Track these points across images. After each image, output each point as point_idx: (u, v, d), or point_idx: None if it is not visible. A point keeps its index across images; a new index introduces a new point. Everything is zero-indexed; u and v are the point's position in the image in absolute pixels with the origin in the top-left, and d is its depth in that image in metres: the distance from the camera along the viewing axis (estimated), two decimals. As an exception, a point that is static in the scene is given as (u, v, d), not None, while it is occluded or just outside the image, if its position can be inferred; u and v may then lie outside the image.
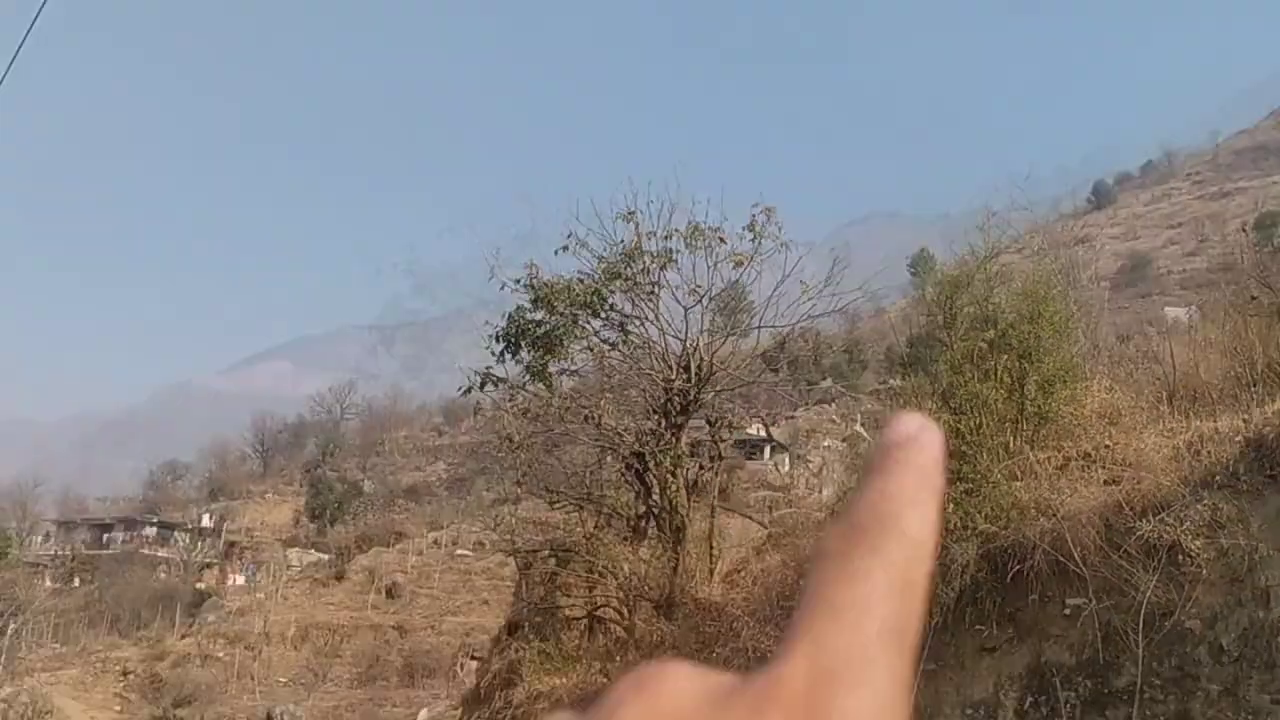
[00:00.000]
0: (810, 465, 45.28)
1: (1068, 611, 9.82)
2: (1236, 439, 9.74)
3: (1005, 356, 11.88)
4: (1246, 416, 10.08)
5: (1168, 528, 9.24)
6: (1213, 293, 26.88)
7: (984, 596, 10.50)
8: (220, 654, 51.00)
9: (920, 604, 0.49)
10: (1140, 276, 77.61)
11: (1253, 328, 13.50)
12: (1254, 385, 11.54)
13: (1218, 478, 9.46)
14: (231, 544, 76.98)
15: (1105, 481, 10.42)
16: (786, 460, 49.33)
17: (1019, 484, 10.76)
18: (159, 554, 71.90)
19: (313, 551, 68.99)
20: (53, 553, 73.53)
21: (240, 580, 66.49)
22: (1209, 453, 9.80)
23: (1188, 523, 9.21)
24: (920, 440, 0.53)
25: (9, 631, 50.20)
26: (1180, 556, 9.09)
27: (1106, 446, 11.03)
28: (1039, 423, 11.67)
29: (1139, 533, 9.34)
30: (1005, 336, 12.08)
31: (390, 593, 57.08)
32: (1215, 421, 10.50)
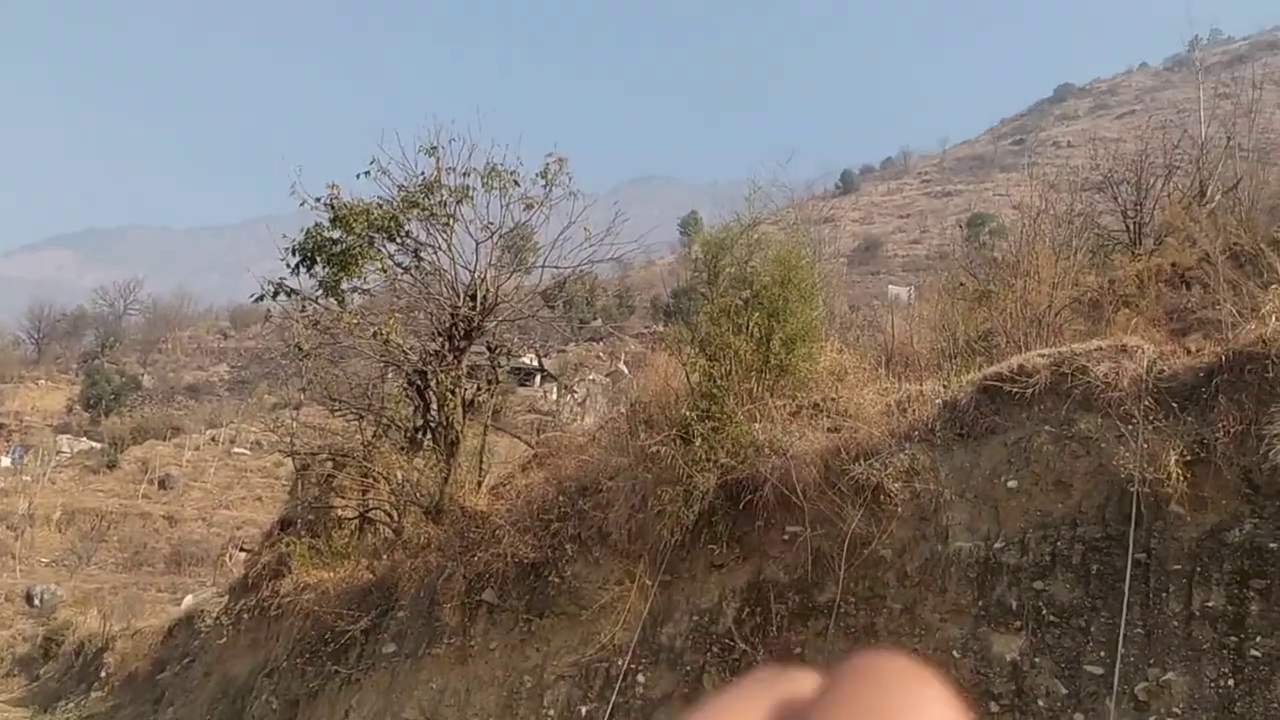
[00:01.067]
0: (575, 395, 45.76)
1: (786, 537, 10.38)
2: (936, 400, 10.42)
3: (757, 314, 12.26)
4: (946, 382, 10.80)
5: (874, 471, 9.88)
6: (928, 276, 28.68)
7: (718, 520, 10.98)
8: (-19, 533, 47.19)
9: None
10: (872, 256, 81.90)
11: (957, 309, 14.53)
12: (954, 357, 12.41)
13: (918, 432, 10.12)
14: (-1, 426, 70.85)
15: (828, 429, 10.99)
16: (555, 389, 49.66)
17: (758, 425, 11.23)
18: (-80, 431, 65.42)
19: (85, 440, 64.38)
20: None
21: (6, 462, 61.40)
22: (913, 411, 10.47)
23: (890, 468, 9.88)
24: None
25: None
26: (882, 496, 9.74)
27: (832, 399, 11.62)
28: (779, 374, 12.16)
29: (851, 474, 9.94)
30: (758, 296, 12.46)
31: (163, 484, 54.15)
32: (921, 385, 11.21)
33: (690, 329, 14.45)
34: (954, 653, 8.78)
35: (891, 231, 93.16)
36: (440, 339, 16.80)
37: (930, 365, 12.60)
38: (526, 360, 39.82)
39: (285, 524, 19.88)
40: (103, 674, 28.88)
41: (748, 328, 12.18)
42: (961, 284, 16.85)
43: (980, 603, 8.88)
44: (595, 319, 66.06)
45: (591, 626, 11.54)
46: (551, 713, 11.48)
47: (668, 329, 20.46)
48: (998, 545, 8.99)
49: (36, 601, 42.77)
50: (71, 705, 28.60)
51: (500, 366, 18.15)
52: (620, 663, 11.08)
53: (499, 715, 11.97)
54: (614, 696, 10.93)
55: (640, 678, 10.98)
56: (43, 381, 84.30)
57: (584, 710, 11.22)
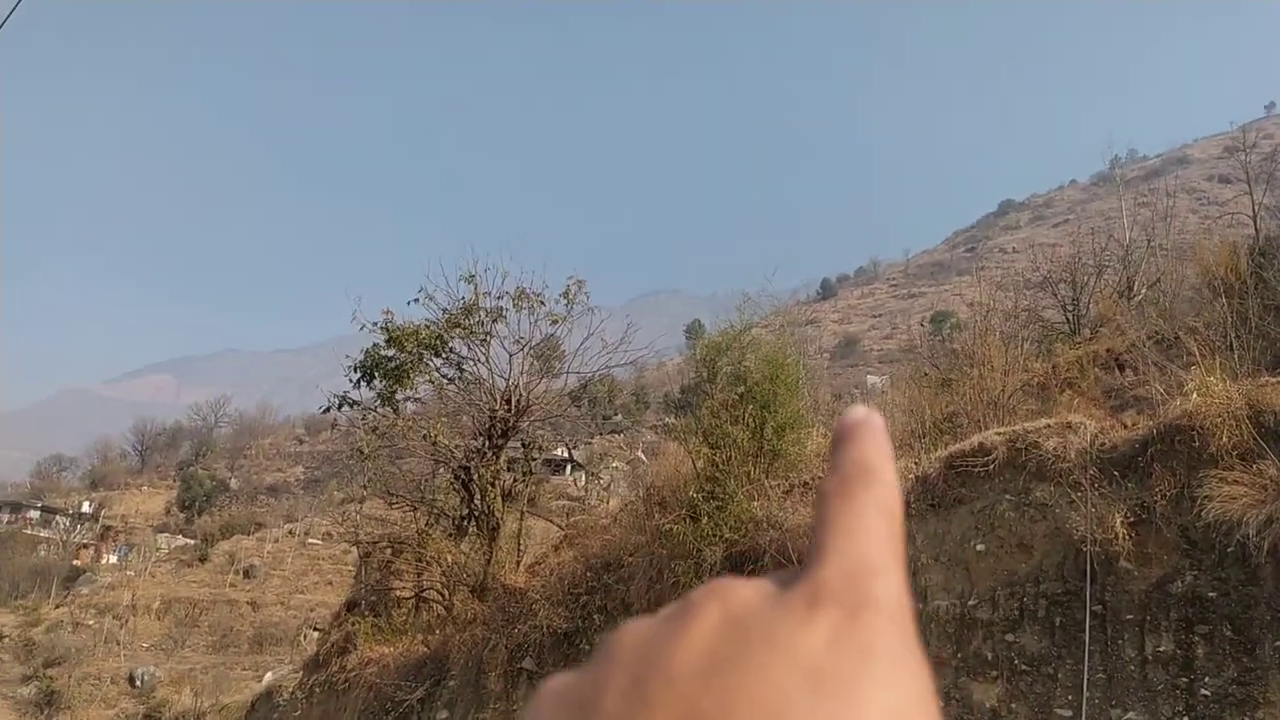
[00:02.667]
0: (601, 481, 45.41)
1: (785, 601, 10.15)
2: (909, 476, 10.32)
3: (751, 406, 12.25)
4: (917, 460, 10.70)
5: (859, 540, 9.72)
6: (899, 367, 28.59)
7: (725, 589, 10.76)
8: (91, 622, 46.66)
9: (901, 529, 0.51)
10: (851, 351, 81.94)
11: (924, 395, 14.44)
12: (924, 436, 12.29)
13: (896, 504, 9.98)
14: (108, 528, 70.61)
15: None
16: (583, 476, 49.35)
17: (756, 503, 11.12)
18: (41, 534, 65.25)
19: (180, 537, 64.10)
20: (-59, 531, 65.53)
21: (113, 559, 61.11)
22: (891, 486, 10.34)
23: (873, 537, 9.72)
24: (873, 419, 0.54)
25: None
26: (866, 562, 9.56)
27: (819, 478, 11.50)
28: (773, 458, 12.08)
29: (839, 543, 9.78)
30: (752, 391, 12.47)
31: (247, 573, 53.65)
32: (895, 462, 11.10)
33: (696, 421, 14.39)
34: (939, 702, 8.49)
35: (866, 329, 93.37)
36: (481, 438, 16.82)
37: (903, 444, 12.47)
38: (558, 452, 39.70)
39: (351, 605, 19.58)
40: (194, 746, 28.17)
41: (744, 419, 12.15)
42: (926, 373, 16.80)
43: (960, 655, 8.63)
44: (616, 414, 66.05)
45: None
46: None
47: (678, 422, 20.39)
48: (971, 603, 8.78)
49: (138, 682, 42.01)
50: (166, 775, 27.84)
51: (534, 459, 18.11)
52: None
53: (540, 772, 11.56)
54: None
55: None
56: (145, 488, 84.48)
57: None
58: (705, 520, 11.04)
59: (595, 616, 12.20)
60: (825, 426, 14.03)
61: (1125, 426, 8.97)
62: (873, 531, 0.49)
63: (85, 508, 73.46)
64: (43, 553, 61.03)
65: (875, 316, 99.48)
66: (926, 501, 9.71)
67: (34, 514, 69.11)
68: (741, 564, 10.53)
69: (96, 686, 41.96)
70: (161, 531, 67.19)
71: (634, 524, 13.30)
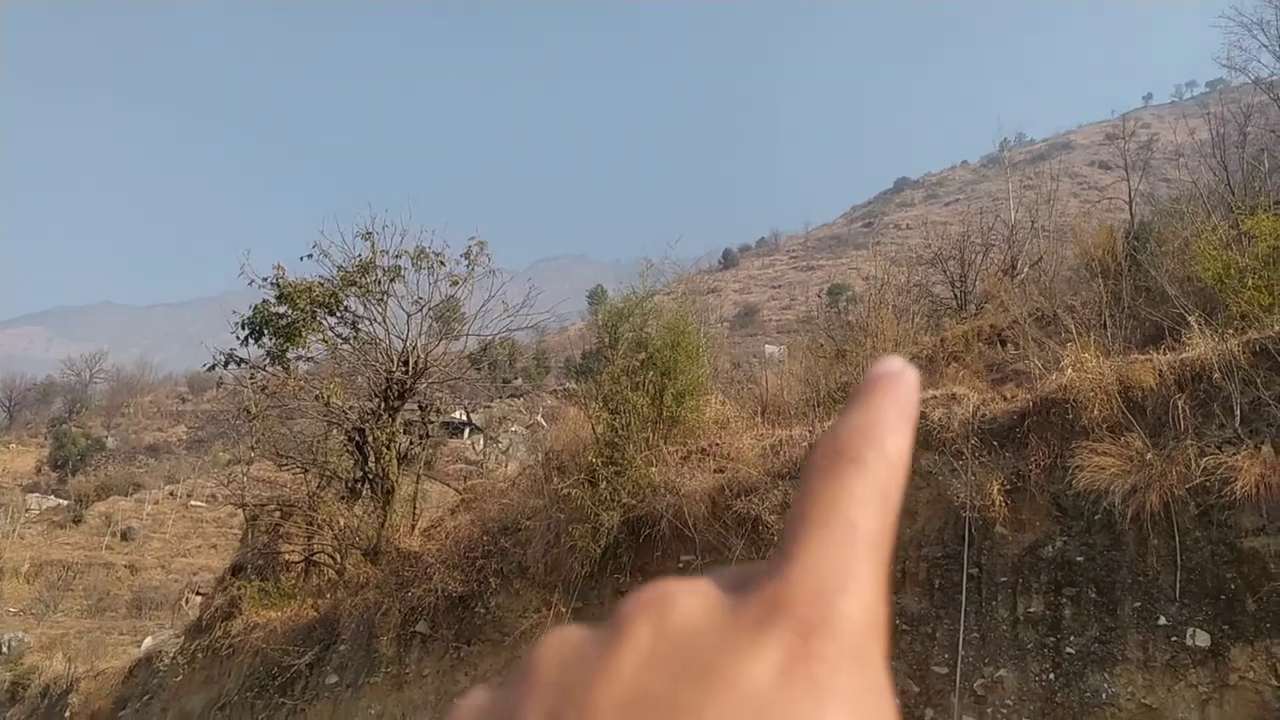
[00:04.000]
0: (500, 445, 45.10)
1: (681, 565, 10.31)
2: (804, 443, 10.58)
3: (651, 372, 12.29)
4: (812, 428, 10.97)
5: (754, 505, 9.92)
6: (797, 337, 29.13)
7: (622, 552, 10.87)
8: (-50, 587, 43.96)
9: (894, 516, 0.43)
10: (750, 320, 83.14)
11: (820, 365, 14.78)
12: (819, 405, 12.60)
13: (789, 470, 10.22)
14: (-30, 488, 66.38)
15: (714, 470, 11.02)
16: (481, 440, 48.89)
17: (654, 469, 11.19)
18: (-108, 494, 60.85)
19: (53, 497, 60.73)
20: None
21: (-24, 521, 57.53)
22: (785, 452, 10.59)
23: (768, 502, 9.93)
24: (902, 376, 0.46)
25: None
26: (760, 527, 9.77)
27: (717, 444, 11.67)
28: (672, 424, 12.18)
29: (734, 508, 9.96)
30: (653, 358, 12.51)
31: (125, 536, 51.34)
32: (791, 430, 11.36)
33: (597, 386, 14.36)
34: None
35: (766, 300, 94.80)
36: (376, 399, 16.44)
37: (799, 413, 12.76)
38: (456, 415, 39.21)
39: (237, 569, 18.97)
40: (67, 714, 26.92)
41: (644, 385, 12.19)
42: (823, 344, 17.16)
43: (845, 616, 8.91)
44: (516, 378, 65.57)
45: (514, 651, 11.25)
46: (479, 730, 11.07)
47: (579, 386, 20.34)
48: (858, 566, 9.06)
49: (4, 649, 39.84)
50: (35, 745, 26.60)
51: (431, 422, 17.78)
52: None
53: (432, 735, 11.52)
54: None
55: (557, 695, 10.67)
56: (14, 445, 79.54)
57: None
58: (604, 485, 11.06)
59: (491, 580, 12.14)
60: (724, 394, 14.21)
61: (1005, 399, 9.38)
62: (855, 526, 0.42)
63: (-55, 466, 68.90)
64: (-104, 514, 57.04)
65: (775, 287, 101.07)
66: (819, 468, 9.92)
67: (-114, 472, 64.44)
68: (639, 527, 10.61)
69: (-43, 654, 39.65)
70: (31, 491, 63.55)
71: (532, 488, 13.25)
